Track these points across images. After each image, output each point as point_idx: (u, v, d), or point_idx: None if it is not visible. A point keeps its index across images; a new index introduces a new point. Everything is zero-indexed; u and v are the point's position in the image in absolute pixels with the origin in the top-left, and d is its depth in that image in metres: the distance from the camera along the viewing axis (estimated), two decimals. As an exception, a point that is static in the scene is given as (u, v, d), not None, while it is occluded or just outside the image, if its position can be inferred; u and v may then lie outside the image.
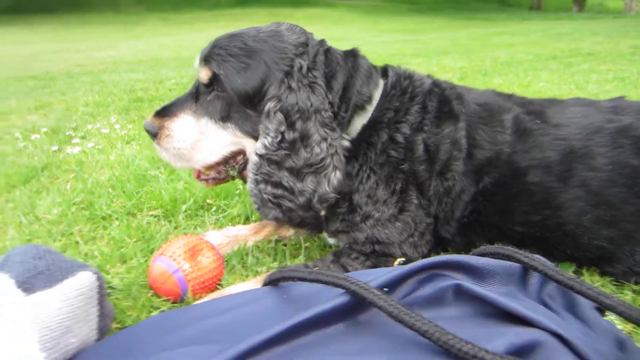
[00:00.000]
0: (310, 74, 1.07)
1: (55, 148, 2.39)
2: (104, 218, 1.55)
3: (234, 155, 1.19)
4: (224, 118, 1.12)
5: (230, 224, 1.52)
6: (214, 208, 1.62)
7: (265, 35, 1.11)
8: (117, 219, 1.54)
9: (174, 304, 1.07)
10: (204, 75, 1.11)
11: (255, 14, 21.23)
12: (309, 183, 1.06)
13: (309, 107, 1.06)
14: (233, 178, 1.25)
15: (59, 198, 1.67)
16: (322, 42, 1.17)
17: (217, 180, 1.24)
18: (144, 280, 1.14)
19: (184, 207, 1.59)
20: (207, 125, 1.13)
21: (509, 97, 1.31)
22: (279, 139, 1.05)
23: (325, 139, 1.05)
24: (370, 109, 1.17)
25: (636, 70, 4.47)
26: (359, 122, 1.17)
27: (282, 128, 1.05)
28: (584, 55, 5.88)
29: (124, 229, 1.44)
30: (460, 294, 0.70)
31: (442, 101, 1.21)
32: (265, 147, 1.06)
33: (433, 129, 1.17)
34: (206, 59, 1.10)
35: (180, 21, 19.36)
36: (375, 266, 1.17)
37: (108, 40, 12.12)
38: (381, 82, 1.21)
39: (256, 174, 1.08)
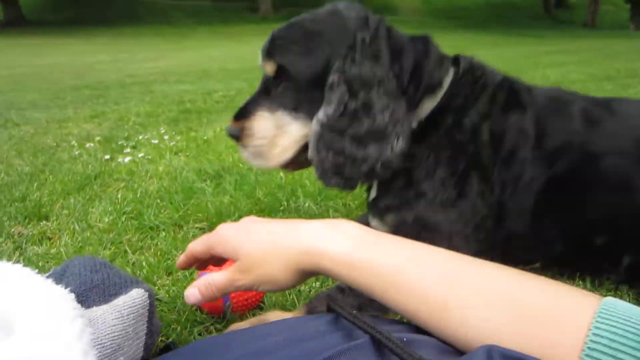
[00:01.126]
0: (373, 45, 1.05)
1: (107, 157, 2.49)
2: (151, 228, 1.59)
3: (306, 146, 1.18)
4: (296, 107, 1.11)
5: (273, 240, 1.53)
6: (258, 223, 1.63)
7: (324, 15, 1.10)
8: (164, 230, 1.57)
9: (217, 321, 1.08)
10: (270, 68, 1.10)
11: (300, 28, 21.55)
12: (371, 150, 1.04)
13: (372, 77, 1.03)
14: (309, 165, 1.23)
15: (110, 207, 1.73)
16: (382, 18, 1.14)
17: (297, 166, 1.23)
18: (188, 294, 1.16)
19: (228, 222, 1.62)
20: (282, 117, 1.12)
21: (574, 93, 1.28)
22: (341, 108, 1.03)
23: (388, 107, 1.03)
24: (440, 94, 1.14)
25: (700, 94, 4.24)
26: (428, 105, 1.14)
27: (345, 98, 1.03)
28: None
29: (170, 240, 1.47)
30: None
31: (511, 93, 1.19)
32: (327, 115, 1.04)
33: (500, 117, 1.15)
34: (269, 52, 1.10)
35: (229, 34, 19.94)
36: None
37: (159, 52, 12.62)
38: (452, 70, 1.18)
39: (317, 143, 1.06)
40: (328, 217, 1.69)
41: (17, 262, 1.40)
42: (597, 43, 14.16)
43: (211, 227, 1.60)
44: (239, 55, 10.86)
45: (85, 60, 10.11)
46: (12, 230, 1.58)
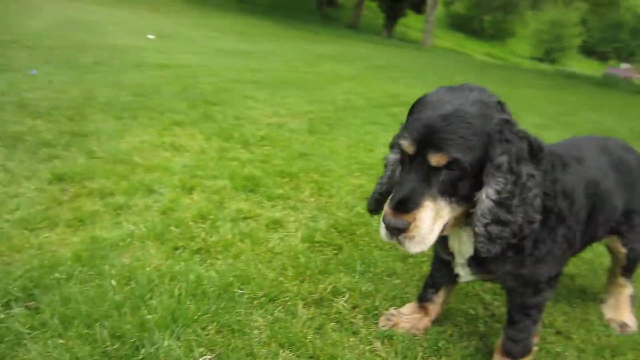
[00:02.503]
0: (512, 124, 1.28)
1: None
2: None
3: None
4: (452, 193, 1.26)
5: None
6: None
7: (473, 106, 1.25)
8: None
9: None
10: (441, 160, 1.21)
11: None
12: (519, 214, 1.27)
13: (524, 153, 1.27)
14: None
15: None
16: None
17: None
18: None
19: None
20: (440, 204, 1.26)
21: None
22: (508, 185, 1.24)
23: (532, 176, 1.28)
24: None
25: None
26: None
27: (508, 176, 1.24)
28: (403, 104, 6.63)
29: None
30: None
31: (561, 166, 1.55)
32: (497, 192, 1.24)
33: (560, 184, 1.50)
34: (440, 147, 1.21)
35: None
36: None
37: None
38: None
39: (486, 217, 1.26)
40: (192, 354, 1.54)
41: None
42: (360, 47, 16.16)
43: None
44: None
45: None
46: None
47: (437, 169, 1.23)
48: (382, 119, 5.53)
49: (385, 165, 1.51)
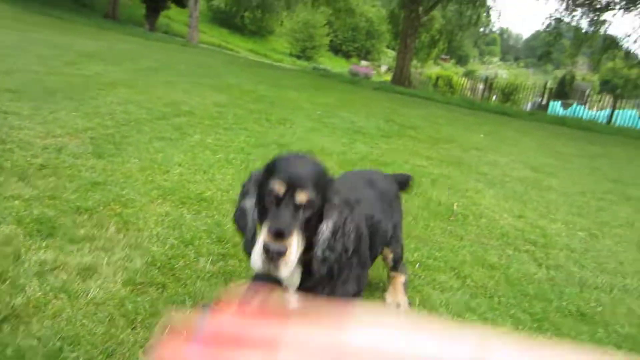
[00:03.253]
0: (334, 182, 1.75)
1: None
2: None
3: None
4: (306, 228, 1.59)
5: None
6: None
7: (318, 167, 1.68)
8: None
9: None
10: (304, 198, 1.55)
11: None
12: (340, 244, 1.67)
13: (350, 200, 1.76)
14: None
15: None
16: None
17: None
18: None
19: None
20: (299, 238, 1.56)
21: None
22: (339, 221, 1.65)
23: (348, 217, 1.71)
24: None
25: (243, 139, 5.59)
26: None
27: (339, 214, 1.67)
28: (186, 114, 6.71)
29: None
30: None
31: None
32: (334, 225, 1.65)
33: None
34: (305, 186, 1.56)
35: None
36: None
37: None
38: None
39: (324, 244, 1.64)
40: None
41: None
42: (121, 41, 15.09)
43: None
44: None
45: None
46: None
47: (299, 207, 1.57)
48: (168, 133, 5.50)
49: (245, 213, 1.75)
